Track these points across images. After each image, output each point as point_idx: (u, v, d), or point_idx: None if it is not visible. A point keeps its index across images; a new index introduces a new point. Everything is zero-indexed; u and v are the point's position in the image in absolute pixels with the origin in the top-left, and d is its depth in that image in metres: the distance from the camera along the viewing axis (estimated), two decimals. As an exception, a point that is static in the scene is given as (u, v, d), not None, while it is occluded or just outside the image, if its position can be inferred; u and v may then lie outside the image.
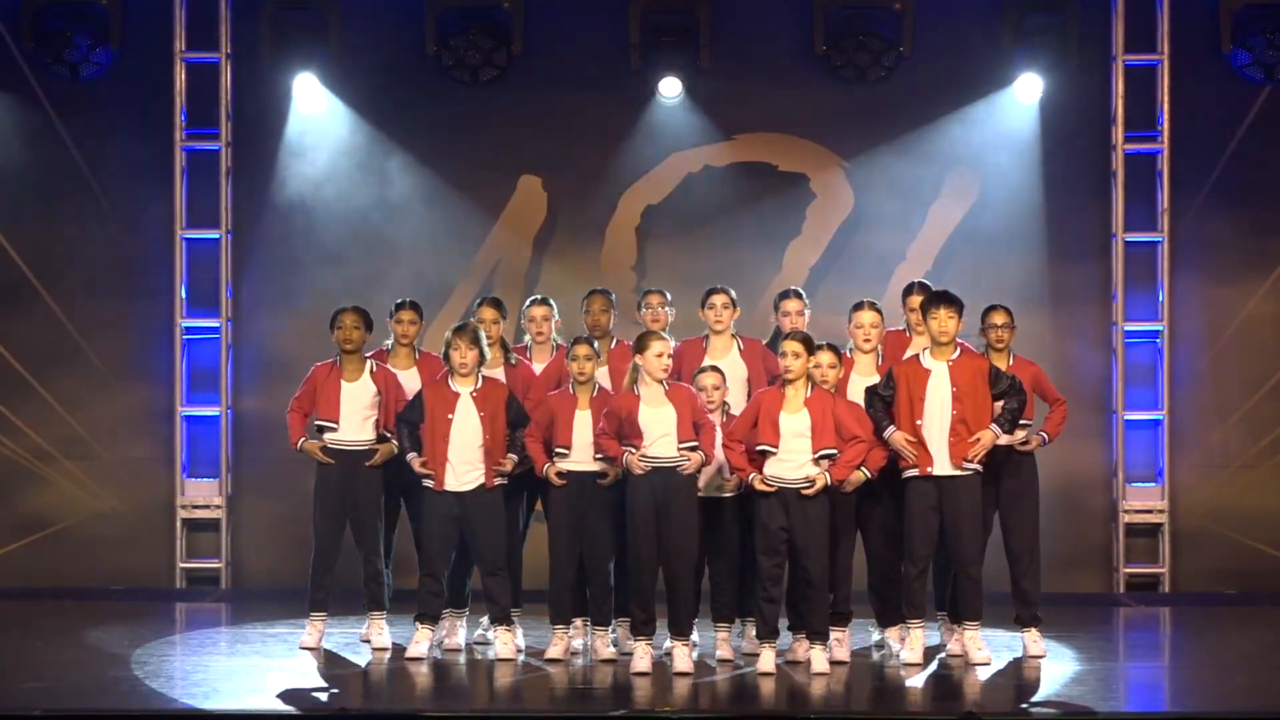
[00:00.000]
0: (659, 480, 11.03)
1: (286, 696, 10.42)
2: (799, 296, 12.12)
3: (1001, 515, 11.65)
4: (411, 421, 11.50)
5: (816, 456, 10.96)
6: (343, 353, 11.90)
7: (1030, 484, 11.67)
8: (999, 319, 11.68)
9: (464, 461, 11.41)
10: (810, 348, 11.08)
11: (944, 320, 11.23)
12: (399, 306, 12.17)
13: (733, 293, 11.92)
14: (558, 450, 11.40)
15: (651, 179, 15.18)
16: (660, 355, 11.11)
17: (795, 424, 10.96)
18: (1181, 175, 14.98)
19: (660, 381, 11.12)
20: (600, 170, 15.13)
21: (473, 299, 14.89)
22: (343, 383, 11.83)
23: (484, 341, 11.56)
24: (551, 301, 12.34)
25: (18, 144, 15.11)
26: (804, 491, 10.92)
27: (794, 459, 10.95)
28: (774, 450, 10.94)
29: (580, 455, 11.39)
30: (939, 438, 11.16)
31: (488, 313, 12.10)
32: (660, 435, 11.04)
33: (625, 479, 11.17)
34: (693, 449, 11.03)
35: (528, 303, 12.37)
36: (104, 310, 15.10)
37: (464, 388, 11.48)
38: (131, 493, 15.11)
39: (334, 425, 11.81)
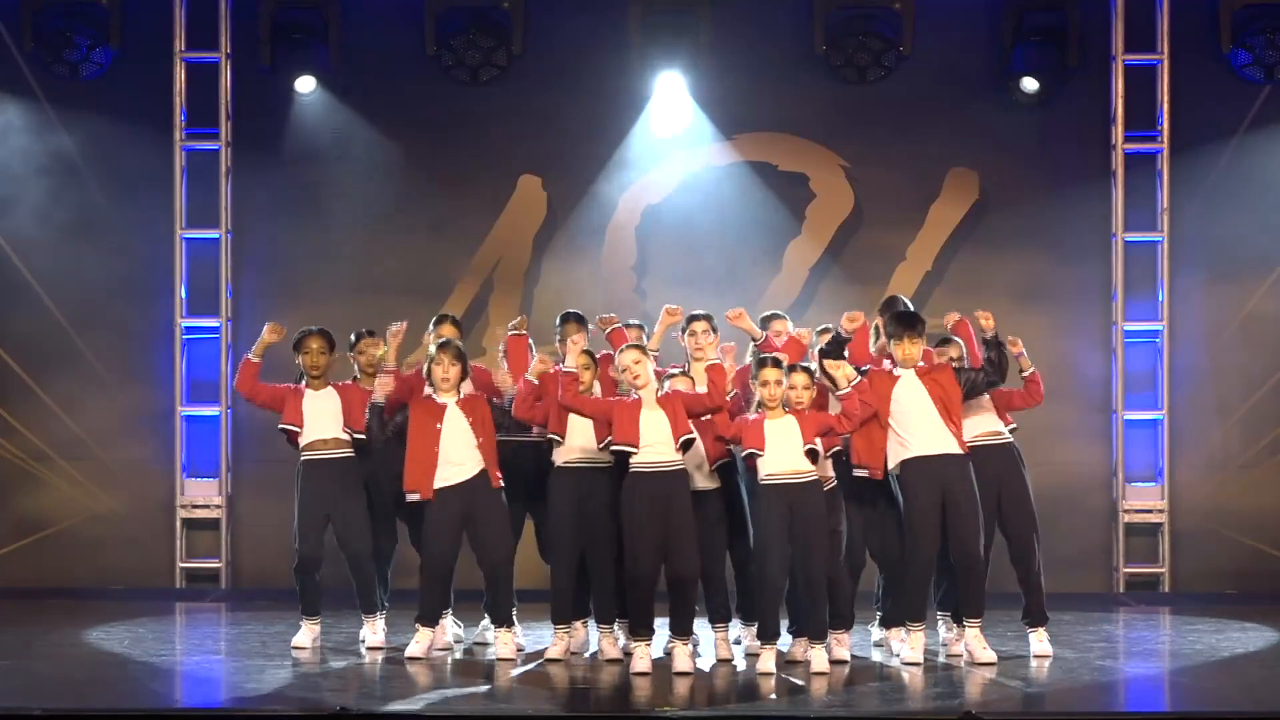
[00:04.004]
0: (657, 484, 11.03)
1: (286, 696, 10.41)
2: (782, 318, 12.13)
3: (1002, 517, 11.63)
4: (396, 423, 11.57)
5: (807, 449, 10.99)
6: (309, 378, 11.91)
7: (1023, 480, 11.66)
8: (954, 352, 11.73)
9: (459, 458, 11.43)
10: (785, 370, 11.11)
11: (908, 348, 11.36)
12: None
13: (713, 320, 11.79)
14: (551, 435, 11.39)
15: (651, 179, 15.18)
16: (624, 370, 11.07)
17: (781, 427, 11.00)
18: (1181, 175, 14.98)
19: (650, 386, 11.12)
20: (600, 170, 15.14)
21: (472, 299, 14.93)
22: (308, 392, 11.87)
23: (466, 358, 11.59)
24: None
25: (17, 144, 15.12)
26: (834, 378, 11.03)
27: (785, 453, 10.96)
28: (760, 453, 10.96)
29: (576, 447, 11.37)
30: (921, 429, 11.21)
31: (448, 329, 12.09)
32: (655, 441, 11.03)
33: (626, 481, 11.14)
34: (690, 441, 11.06)
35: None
36: (104, 310, 15.10)
37: (448, 400, 11.50)
38: (131, 493, 15.11)
39: (298, 429, 11.84)
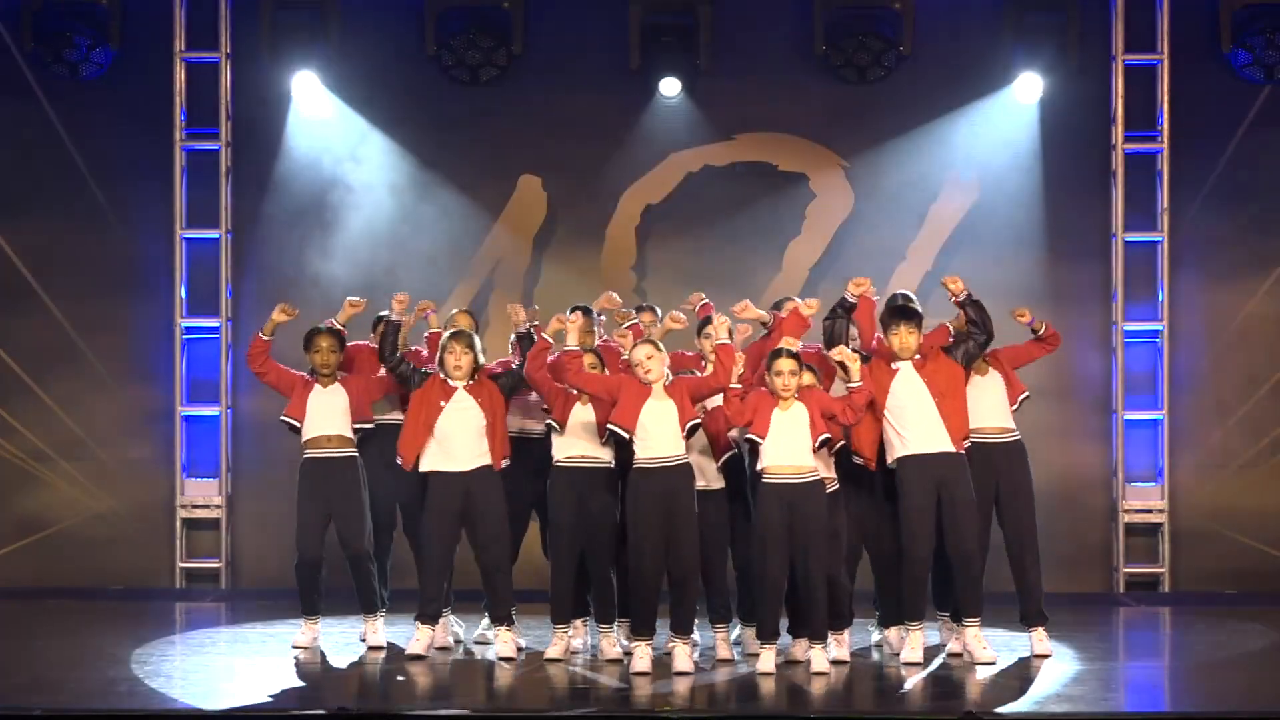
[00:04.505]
0: (661, 480, 11.03)
1: (285, 696, 10.41)
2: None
3: (999, 513, 11.64)
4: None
5: (818, 444, 11.01)
6: (319, 376, 11.95)
7: (1026, 479, 11.67)
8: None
9: (460, 445, 11.45)
10: (800, 362, 11.12)
11: (904, 337, 11.39)
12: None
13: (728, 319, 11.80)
14: (549, 423, 11.42)
15: (651, 179, 15.18)
16: (637, 365, 11.11)
17: (788, 419, 11.00)
18: (1181, 175, 14.98)
19: (662, 382, 11.14)
20: (600, 170, 15.13)
21: (472, 299, 14.92)
22: (316, 386, 11.94)
23: (479, 347, 11.61)
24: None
25: (17, 144, 15.12)
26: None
27: (789, 446, 10.96)
28: (761, 440, 10.96)
29: (573, 440, 11.38)
30: (917, 425, 11.24)
31: (464, 320, 12.16)
32: (661, 435, 11.03)
33: (630, 478, 11.14)
34: (697, 427, 11.08)
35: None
36: (104, 310, 15.10)
37: (458, 384, 11.55)
38: (131, 493, 15.11)
39: (298, 424, 11.88)
